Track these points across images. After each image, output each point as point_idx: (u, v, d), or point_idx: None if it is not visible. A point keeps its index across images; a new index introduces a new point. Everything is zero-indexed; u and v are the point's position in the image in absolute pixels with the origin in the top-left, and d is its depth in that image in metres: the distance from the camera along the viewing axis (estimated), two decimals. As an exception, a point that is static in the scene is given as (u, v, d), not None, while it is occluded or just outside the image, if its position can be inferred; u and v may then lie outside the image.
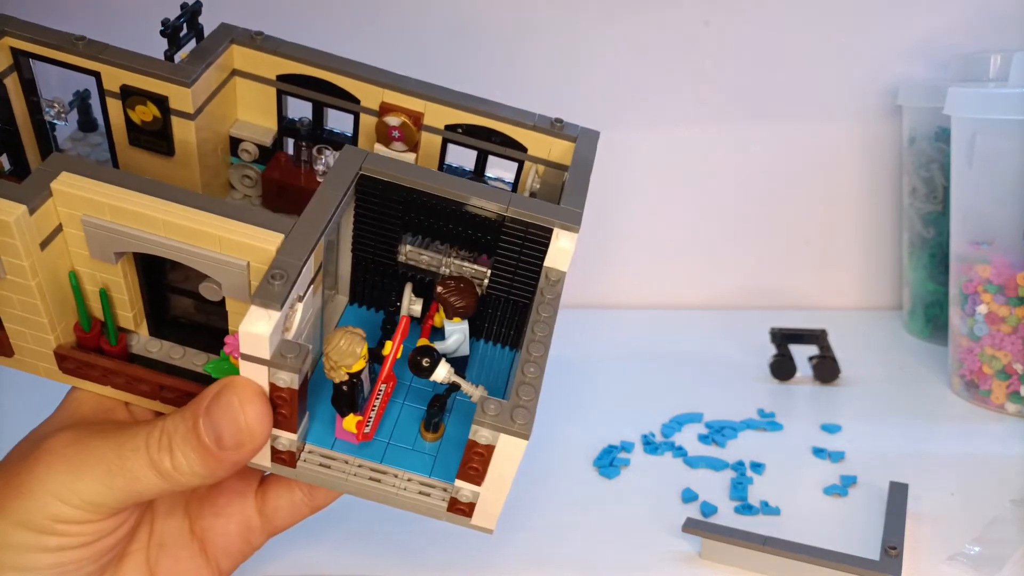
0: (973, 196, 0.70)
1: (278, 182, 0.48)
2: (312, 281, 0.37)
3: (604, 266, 0.91)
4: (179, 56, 0.46)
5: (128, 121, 0.45)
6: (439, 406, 0.39)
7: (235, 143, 0.49)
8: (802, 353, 0.76)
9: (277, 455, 0.37)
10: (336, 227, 0.41)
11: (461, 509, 0.38)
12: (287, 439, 0.37)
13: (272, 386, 0.35)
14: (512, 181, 0.49)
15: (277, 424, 0.36)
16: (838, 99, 0.85)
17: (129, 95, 0.44)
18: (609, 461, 0.62)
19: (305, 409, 0.37)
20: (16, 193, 0.36)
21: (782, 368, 0.75)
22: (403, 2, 0.81)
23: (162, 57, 0.45)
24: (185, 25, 0.47)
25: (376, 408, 0.38)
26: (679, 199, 0.89)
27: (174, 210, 0.37)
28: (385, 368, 0.38)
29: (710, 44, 0.83)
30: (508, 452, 0.35)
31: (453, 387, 0.38)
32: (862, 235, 0.90)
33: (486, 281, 0.42)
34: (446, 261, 0.43)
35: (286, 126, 0.49)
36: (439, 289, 0.41)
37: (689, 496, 0.59)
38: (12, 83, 0.45)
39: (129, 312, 0.41)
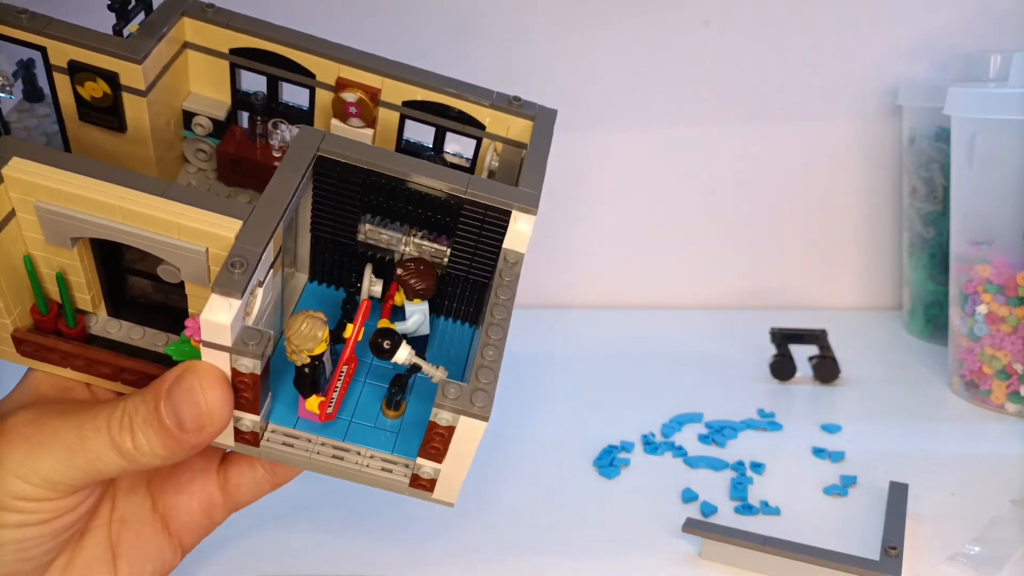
0: (973, 196, 0.70)
1: (233, 156, 0.47)
2: (272, 265, 0.37)
3: (604, 266, 0.91)
4: (128, 29, 0.44)
5: (77, 97, 0.43)
6: (400, 386, 0.39)
7: (188, 116, 0.47)
8: (802, 353, 0.76)
9: (240, 435, 0.37)
10: (295, 210, 0.40)
11: (423, 484, 0.38)
12: (250, 420, 0.37)
13: (234, 371, 0.35)
14: (471, 157, 0.48)
15: (239, 407, 0.36)
16: (838, 99, 0.85)
17: (77, 71, 0.42)
18: (609, 461, 0.62)
19: (268, 391, 0.37)
20: None
21: (782, 368, 0.75)
22: (403, 2, 0.81)
23: (110, 31, 0.43)
24: None
25: (338, 390, 0.39)
26: (679, 199, 0.89)
27: (131, 196, 0.36)
28: (347, 351, 0.38)
29: (710, 44, 0.83)
30: (468, 433, 0.35)
31: (414, 368, 0.38)
32: (862, 235, 0.90)
33: (445, 260, 0.42)
34: (406, 240, 0.42)
35: (240, 99, 0.48)
36: (399, 271, 0.41)
37: (689, 496, 0.59)
38: None
39: (87, 294, 0.40)
